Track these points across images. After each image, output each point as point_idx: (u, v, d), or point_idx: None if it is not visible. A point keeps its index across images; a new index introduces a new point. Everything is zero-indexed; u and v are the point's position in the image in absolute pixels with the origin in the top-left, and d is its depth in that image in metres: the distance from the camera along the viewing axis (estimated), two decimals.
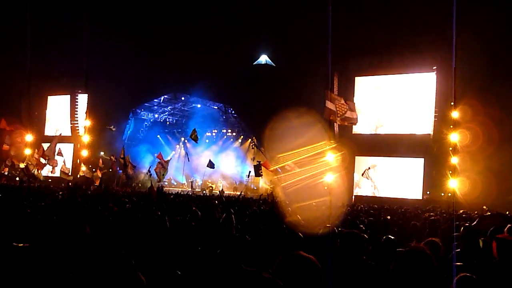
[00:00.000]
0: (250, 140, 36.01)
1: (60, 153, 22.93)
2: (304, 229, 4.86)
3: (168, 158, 26.13)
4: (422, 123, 26.78)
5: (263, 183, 33.70)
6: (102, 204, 9.18)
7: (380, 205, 17.93)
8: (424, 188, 26.06)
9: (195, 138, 25.02)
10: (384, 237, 4.76)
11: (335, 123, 25.06)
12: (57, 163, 22.41)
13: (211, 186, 33.64)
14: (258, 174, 31.07)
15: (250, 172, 32.15)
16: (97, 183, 25.00)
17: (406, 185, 26.65)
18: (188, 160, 32.45)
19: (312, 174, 24.74)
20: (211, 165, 29.87)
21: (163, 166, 24.60)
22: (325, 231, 4.53)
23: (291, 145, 27.49)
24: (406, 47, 26.06)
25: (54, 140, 21.98)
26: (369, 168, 26.82)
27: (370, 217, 9.99)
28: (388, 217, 9.55)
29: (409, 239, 5.83)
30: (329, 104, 11.61)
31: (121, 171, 23.14)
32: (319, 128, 25.66)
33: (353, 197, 27.01)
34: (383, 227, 6.64)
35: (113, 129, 23.06)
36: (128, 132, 36.59)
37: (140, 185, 34.08)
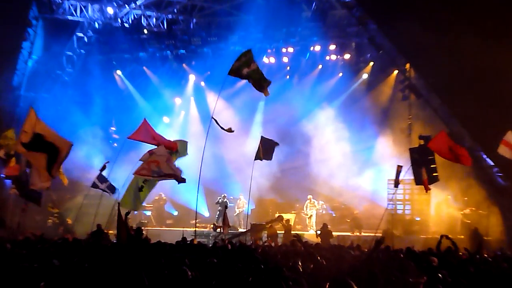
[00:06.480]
0: (396, 72, 24.32)
1: None
2: None
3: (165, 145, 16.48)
4: None
5: (443, 202, 23.02)
6: None
7: None
8: None
9: None
10: None
11: None
12: None
13: (282, 217, 22.27)
14: (433, 179, 18.93)
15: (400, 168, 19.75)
16: None
17: None
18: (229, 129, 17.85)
19: None
20: (268, 151, 20.17)
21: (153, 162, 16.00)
22: None
23: None
24: None
25: None
26: None
27: None
28: None
29: None
30: None
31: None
32: None
33: None
34: None
35: None
36: (29, 63, 23.20)
37: (70, 225, 23.26)
